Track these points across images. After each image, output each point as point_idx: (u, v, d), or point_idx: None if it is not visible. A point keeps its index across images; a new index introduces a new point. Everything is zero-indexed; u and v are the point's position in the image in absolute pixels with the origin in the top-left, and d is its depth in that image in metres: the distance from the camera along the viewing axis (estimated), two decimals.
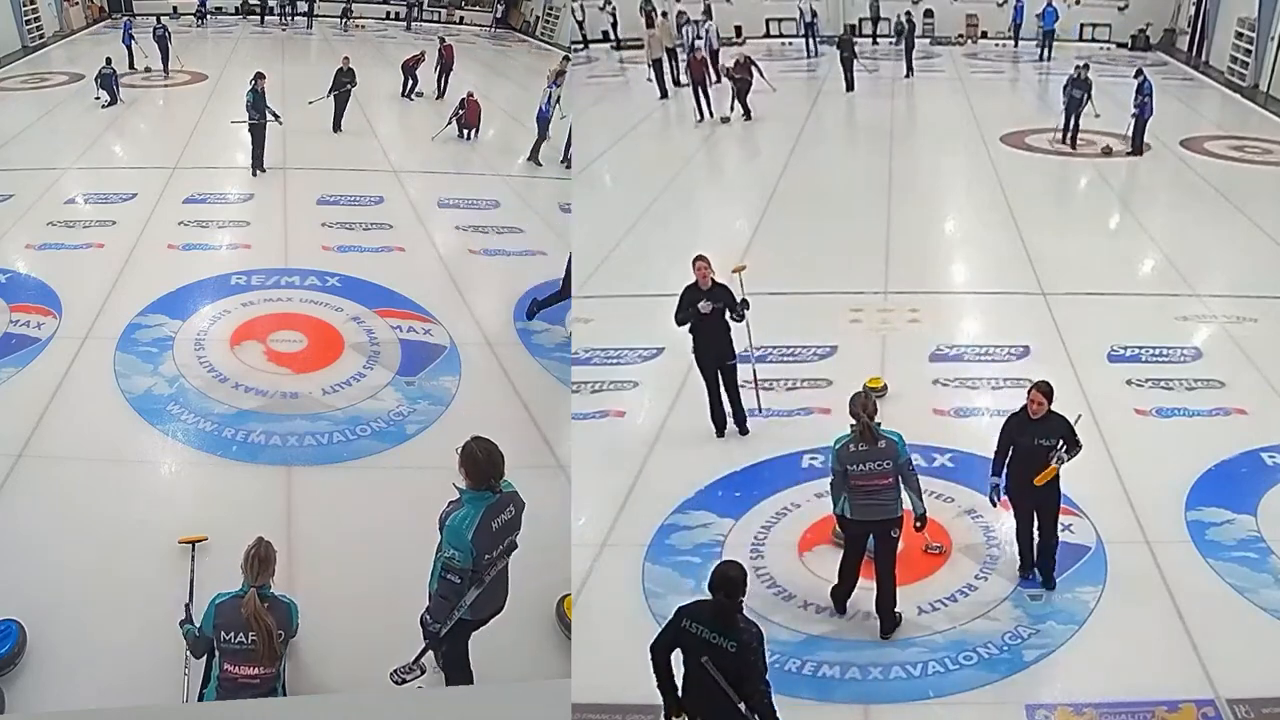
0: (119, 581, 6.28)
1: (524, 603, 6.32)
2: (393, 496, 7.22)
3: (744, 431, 8.33)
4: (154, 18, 21.32)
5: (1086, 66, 16.09)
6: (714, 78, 19.32)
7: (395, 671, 5.39)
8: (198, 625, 5.42)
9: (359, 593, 6.35)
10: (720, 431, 8.29)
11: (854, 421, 6.20)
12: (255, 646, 5.16)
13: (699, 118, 17.92)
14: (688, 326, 8.09)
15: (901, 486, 6.23)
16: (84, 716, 5.54)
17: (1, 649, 5.65)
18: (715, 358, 8.15)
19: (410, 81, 18.35)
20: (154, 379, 8.49)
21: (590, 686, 5.79)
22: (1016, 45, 26.03)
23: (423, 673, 5.47)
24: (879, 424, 6.23)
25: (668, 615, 6.34)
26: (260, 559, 5.37)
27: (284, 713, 5.27)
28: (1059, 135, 16.11)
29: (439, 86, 18.31)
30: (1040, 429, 6.47)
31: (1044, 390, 6.51)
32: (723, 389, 8.23)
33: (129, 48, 19.63)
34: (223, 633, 5.20)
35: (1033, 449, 6.45)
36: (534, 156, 14.90)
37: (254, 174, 13.51)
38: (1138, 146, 15.29)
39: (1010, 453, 6.56)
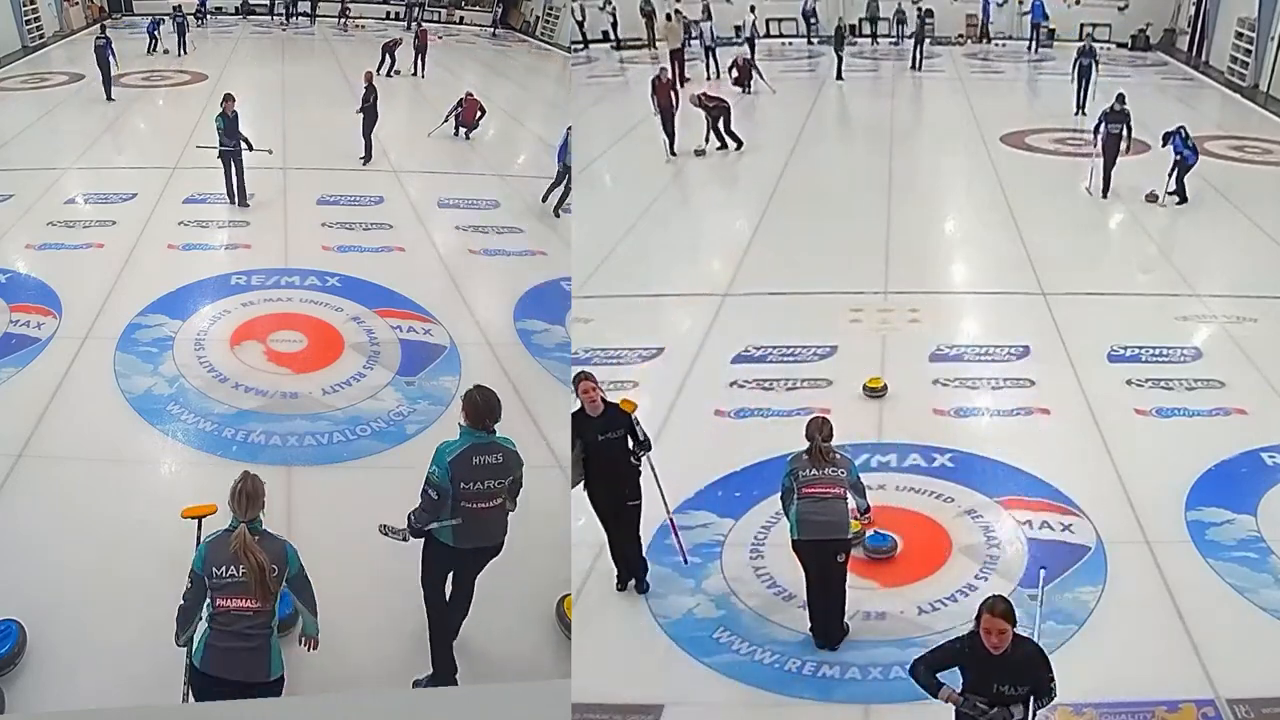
0: (119, 581, 6.28)
1: (524, 603, 6.34)
2: (393, 496, 7.15)
3: (643, 588, 6.70)
4: (171, 12, 23.30)
5: (1122, 98, 13.64)
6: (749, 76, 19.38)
7: (383, 526, 5.81)
8: (190, 570, 5.13)
9: (359, 593, 6.34)
10: (625, 583, 6.74)
11: (809, 443, 6.20)
12: (246, 579, 4.96)
13: (669, 155, 15.39)
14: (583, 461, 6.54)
15: (850, 500, 6.21)
16: (84, 716, 5.54)
17: (1, 649, 5.65)
18: (613, 496, 6.59)
19: (389, 61, 20.20)
20: (154, 379, 8.49)
21: (590, 686, 5.80)
22: (988, 42, 26.06)
23: (407, 540, 5.73)
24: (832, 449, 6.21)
25: (668, 615, 6.42)
26: (247, 494, 5.13)
27: (284, 713, 5.26)
28: (1097, 184, 13.64)
29: (415, 67, 20.68)
30: (1002, 671, 4.68)
31: (1004, 613, 4.64)
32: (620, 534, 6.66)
33: (153, 35, 21.83)
34: (213, 568, 5.00)
35: (993, 697, 4.71)
36: (559, 205, 12.68)
37: (234, 203, 12.28)
38: (1182, 193, 13.17)
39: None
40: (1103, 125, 13.54)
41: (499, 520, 5.72)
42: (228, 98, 12.37)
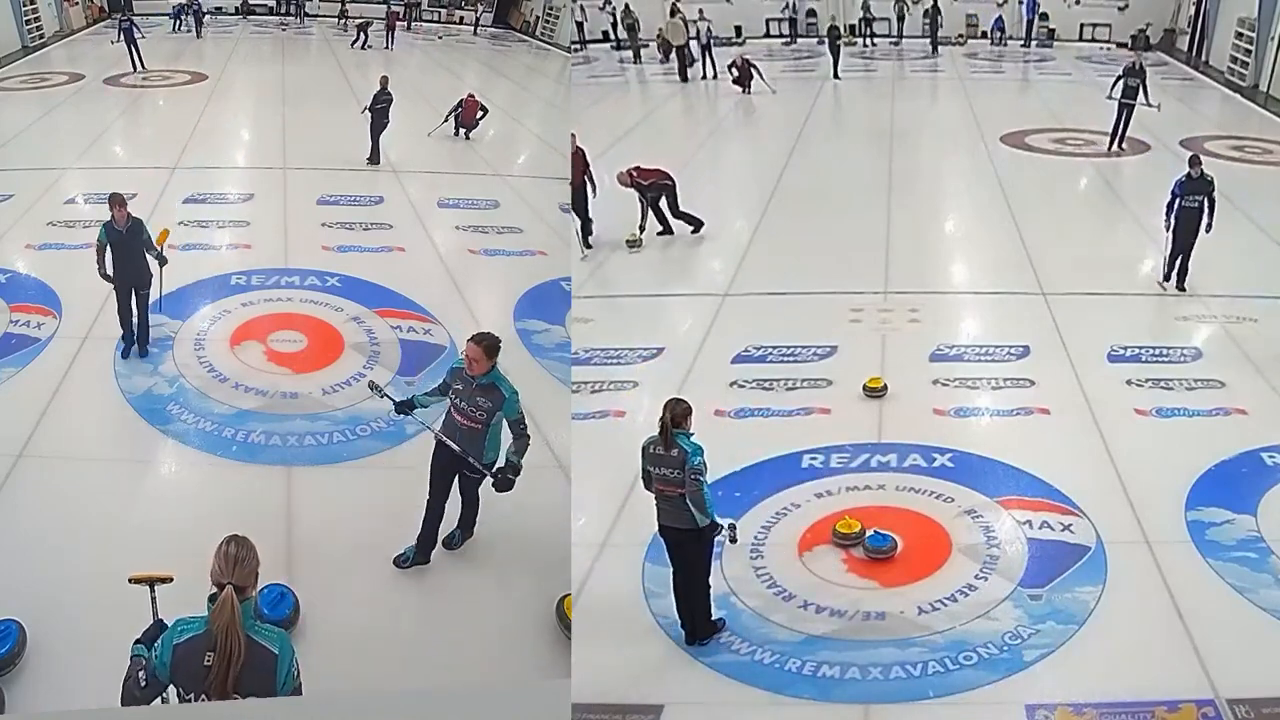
0: (119, 581, 6.23)
1: (524, 603, 6.34)
2: (393, 496, 7.21)
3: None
4: (183, 8, 25.65)
5: (1198, 160, 10.65)
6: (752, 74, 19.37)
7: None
8: (152, 657, 4.14)
9: (359, 592, 6.35)
10: None
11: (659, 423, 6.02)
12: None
13: (583, 249, 11.76)
14: None
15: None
16: (84, 716, 5.54)
17: (1, 649, 5.65)
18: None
19: (362, 37, 23.55)
20: (154, 379, 8.49)
21: (590, 686, 5.80)
22: (1001, 43, 26.14)
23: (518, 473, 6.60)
24: (689, 433, 5.98)
25: (668, 615, 6.41)
26: (230, 558, 4.01)
27: (284, 713, 5.25)
28: (1162, 274, 10.77)
29: (387, 40, 24.12)
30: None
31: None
32: None
33: (178, 18, 24.85)
34: (180, 688, 3.93)
35: None
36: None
37: (127, 354, 8.75)
38: None
39: None
40: (1177, 200, 10.44)
41: None
42: (116, 200, 8.58)
